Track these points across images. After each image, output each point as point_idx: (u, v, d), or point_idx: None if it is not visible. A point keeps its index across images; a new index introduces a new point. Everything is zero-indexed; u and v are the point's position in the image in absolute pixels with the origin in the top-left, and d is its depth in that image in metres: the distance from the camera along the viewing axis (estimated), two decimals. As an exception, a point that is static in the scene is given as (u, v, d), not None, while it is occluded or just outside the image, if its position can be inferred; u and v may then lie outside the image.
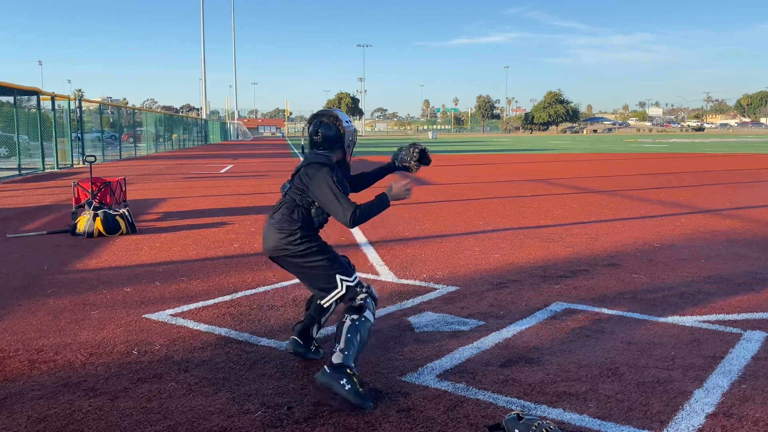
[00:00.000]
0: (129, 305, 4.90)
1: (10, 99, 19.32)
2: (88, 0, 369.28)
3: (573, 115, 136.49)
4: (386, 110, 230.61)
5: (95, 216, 7.90)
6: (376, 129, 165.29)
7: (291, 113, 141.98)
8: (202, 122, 62.62)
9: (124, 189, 9.70)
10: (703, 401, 3.17)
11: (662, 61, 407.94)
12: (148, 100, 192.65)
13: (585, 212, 10.08)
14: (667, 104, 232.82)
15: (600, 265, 6.21)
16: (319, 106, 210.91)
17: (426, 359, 3.74)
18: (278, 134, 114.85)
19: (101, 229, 7.84)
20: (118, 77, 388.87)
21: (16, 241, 7.71)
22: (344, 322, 3.29)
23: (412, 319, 4.50)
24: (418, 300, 5.01)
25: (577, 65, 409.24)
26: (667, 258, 6.54)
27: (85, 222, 7.88)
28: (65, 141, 22.65)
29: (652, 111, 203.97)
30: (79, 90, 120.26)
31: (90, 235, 7.78)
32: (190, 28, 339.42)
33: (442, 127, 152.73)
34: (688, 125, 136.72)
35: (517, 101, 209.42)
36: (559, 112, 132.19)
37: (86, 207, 8.33)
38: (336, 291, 3.41)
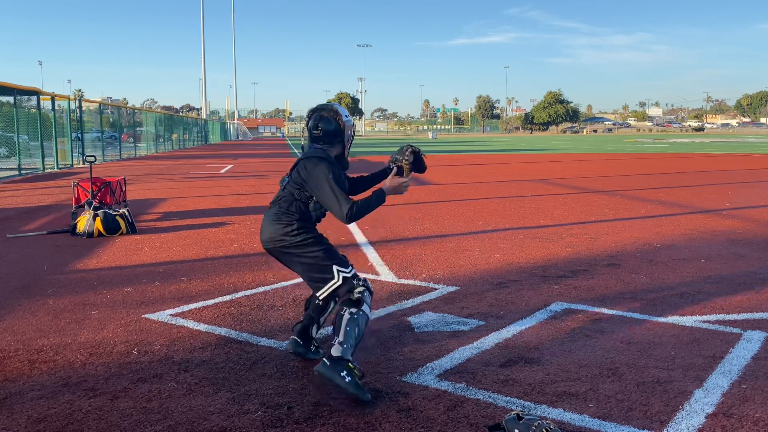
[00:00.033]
0: (129, 305, 4.90)
1: (10, 99, 19.32)
2: (88, 0, 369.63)
3: (573, 115, 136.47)
4: (386, 110, 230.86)
5: (95, 216, 7.90)
6: (376, 129, 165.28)
7: (291, 113, 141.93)
8: (202, 122, 62.62)
9: (124, 189, 9.71)
10: (703, 401, 3.17)
11: (662, 61, 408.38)
12: (148, 100, 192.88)
13: (585, 212, 10.08)
14: (667, 104, 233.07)
15: (600, 265, 6.21)
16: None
17: (426, 359, 3.74)
18: (278, 134, 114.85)
19: (101, 229, 7.84)
20: (118, 77, 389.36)
21: (16, 241, 7.71)
22: (343, 315, 3.32)
23: (412, 319, 4.50)
24: (418, 300, 5.01)
25: (577, 65, 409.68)
26: (667, 258, 6.54)
27: (85, 222, 7.88)
28: (65, 141, 22.65)
29: (652, 111, 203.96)
30: (79, 90, 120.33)
31: (90, 235, 7.78)
32: (190, 28, 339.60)
33: (442, 127, 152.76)
34: (689, 125, 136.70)
35: (517, 101, 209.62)
36: (559, 112, 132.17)
37: (86, 207, 8.33)
38: (332, 282, 3.42)
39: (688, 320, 4.49)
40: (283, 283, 5.48)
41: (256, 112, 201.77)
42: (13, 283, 5.61)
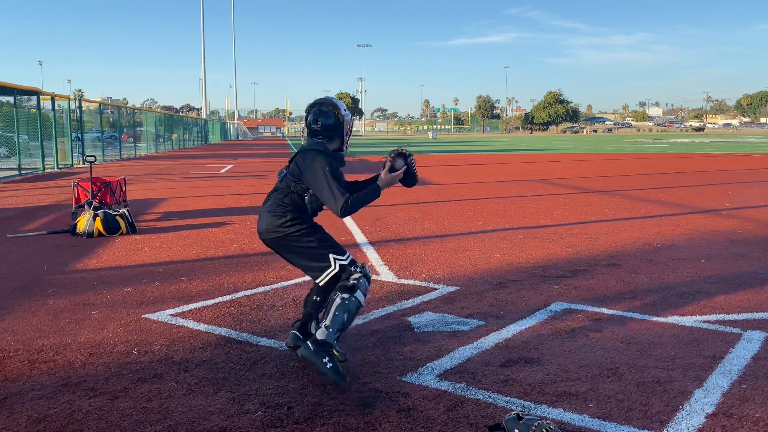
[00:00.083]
0: (129, 305, 4.90)
1: (10, 99, 19.32)
2: (88, 0, 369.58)
3: (573, 115, 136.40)
4: (386, 110, 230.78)
5: (95, 216, 7.90)
6: (376, 129, 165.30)
7: (291, 113, 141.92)
8: (202, 122, 62.62)
9: (124, 189, 9.70)
10: (703, 401, 3.17)
11: (662, 61, 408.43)
12: (148, 100, 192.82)
13: (585, 212, 10.08)
14: (667, 104, 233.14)
15: (600, 265, 6.21)
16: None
17: (426, 359, 3.74)
18: (278, 134, 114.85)
19: (101, 229, 7.84)
20: (118, 77, 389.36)
21: (16, 241, 7.71)
22: (334, 299, 3.37)
23: (412, 319, 4.50)
24: (418, 300, 5.01)
25: (577, 65, 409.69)
26: (667, 258, 6.54)
27: (85, 222, 7.88)
28: (65, 141, 22.65)
29: (652, 111, 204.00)
30: (79, 90, 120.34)
31: (90, 235, 7.78)
32: (190, 28, 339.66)
33: (442, 127, 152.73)
34: (690, 125, 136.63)
35: (517, 101, 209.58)
36: (559, 112, 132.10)
37: (86, 207, 8.33)
38: (329, 270, 3.47)
39: (688, 320, 4.49)
40: (283, 283, 5.48)
41: (256, 112, 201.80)
42: (13, 283, 5.61)
